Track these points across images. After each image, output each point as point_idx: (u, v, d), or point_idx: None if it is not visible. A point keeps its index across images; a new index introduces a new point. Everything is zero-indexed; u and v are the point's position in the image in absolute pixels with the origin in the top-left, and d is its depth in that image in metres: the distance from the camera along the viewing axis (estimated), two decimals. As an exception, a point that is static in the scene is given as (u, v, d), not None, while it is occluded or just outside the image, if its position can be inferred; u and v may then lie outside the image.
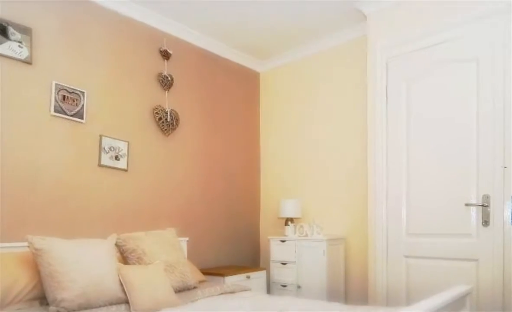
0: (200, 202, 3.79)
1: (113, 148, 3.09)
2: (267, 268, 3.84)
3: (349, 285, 3.64)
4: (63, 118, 2.80)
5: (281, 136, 4.25)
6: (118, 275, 2.33)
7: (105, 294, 2.23)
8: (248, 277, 3.55)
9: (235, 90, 4.21)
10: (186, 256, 3.31)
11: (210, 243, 3.87)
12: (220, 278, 3.34)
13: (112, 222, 3.06)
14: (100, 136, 3.01)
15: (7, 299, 2.13)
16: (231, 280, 3.33)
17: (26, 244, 2.25)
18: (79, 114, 2.88)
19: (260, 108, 4.49)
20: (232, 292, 2.80)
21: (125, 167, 3.17)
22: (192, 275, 2.91)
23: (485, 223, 2.55)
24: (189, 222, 3.67)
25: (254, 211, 4.38)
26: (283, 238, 3.70)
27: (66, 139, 2.82)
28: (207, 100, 3.90)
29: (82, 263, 2.22)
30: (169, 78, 3.49)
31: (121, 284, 2.32)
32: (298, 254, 3.55)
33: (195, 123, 3.76)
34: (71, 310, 2.09)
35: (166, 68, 3.50)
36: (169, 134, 3.50)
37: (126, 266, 2.48)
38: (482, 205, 2.57)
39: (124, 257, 2.66)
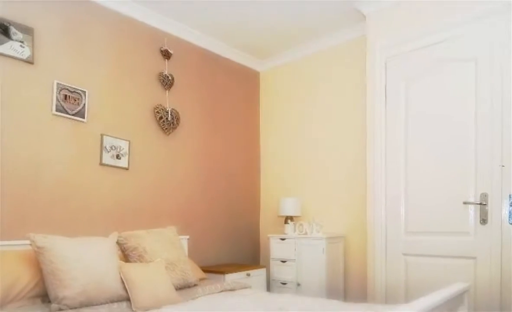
0: (201, 201, 3.82)
1: (114, 147, 3.11)
2: (267, 266, 3.86)
3: (348, 282, 3.66)
4: (64, 117, 2.82)
5: (281, 135, 4.27)
6: (120, 273, 2.35)
7: (106, 291, 2.25)
8: (248, 275, 3.57)
9: (235, 89, 4.23)
10: (186, 254, 3.33)
11: (211, 241, 3.90)
12: (221, 275, 3.37)
13: (113, 221, 3.08)
14: (102, 135, 3.03)
15: (9, 296, 2.15)
16: (231, 278, 3.35)
17: (27, 242, 2.26)
18: (81, 113, 2.90)
19: (260, 107, 4.51)
20: (232, 290, 2.82)
21: (126, 166, 3.19)
22: (193, 273, 2.93)
23: (483, 221, 2.58)
24: (190, 221, 3.69)
25: (254, 210, 4.41)
26: (283, 236, 3.72)
27: (67, 138, 2.84)
28: (207, 100, 3.92)
29: (84, 261, 2.24)
30: (169, 78, 3.51)
31: (122, 282, 2.33)
32: (297, 252, 3.57)
33: (195, 122, 3.78)
34: (72, 308, 2.10)
35: (167, 67, 3.52)
36: (169, 133, 3.52)
37: (127, 264, 2.50)
38: (480, 204, 2.59)
39: (125, 255, 2.68)
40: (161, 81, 3.47)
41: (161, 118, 3.43)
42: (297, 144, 4.11)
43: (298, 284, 3.54)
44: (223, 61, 4.10)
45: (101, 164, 3.03)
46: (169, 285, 2.49)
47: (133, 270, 2.40)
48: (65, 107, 2.81)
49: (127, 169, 3.20)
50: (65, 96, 2.81)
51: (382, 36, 3.11)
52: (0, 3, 2.51)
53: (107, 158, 3.06)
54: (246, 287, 2.95)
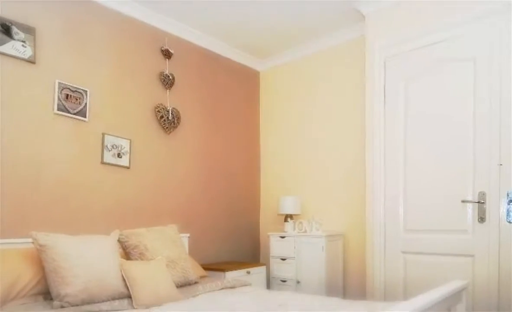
0: (201, 199, 3.84)
1: (116, 146, 3.13)
2: (267, 264, 3.88)
3: (347, 280, 3.69)
4: (66, 116, 2.84)
5: (281, 134, 4.29)
6: (121, 271, 2.37)
7: (108, 289, 2.26)
8: (248, 272, 3.59)
9: (236, 89, 4.25)
10: (187, 252, 3.35)
11: (211, 239, 3.92)
12: (221, 273, 3.39)
13: (114, 219, 3.10)
14: (103, 134, 3.05)
15: (11, 294, 2.17)
16: (232, 276, 3.38)
17: (29, 240, 2.28)
18: (82, 113, 2.92)
19: (260, 107, 4.53)
20: (232, 287, 2.84)
21: (127, 164, 3.21)
22: (193, 270, 2.95)
23: (481, 219, 2.60)
24: (190, 219, 3.71)
25: (254, 208, 4.43)
26: (282, 234, 3.75)
27: (69, 137, 2.86)
28: (208, 99, 3.93)
29: (86, 258, 2.25)
30: (170, 77, 3.53)
31: (124, 279, 2.35)
32: (297, 250, 3.60)
33: (196, 122, 3.80)
34: (74, 305, 2.12)
35: (167, 67, 3.54)
36: (170, 132, 3.54)
37: (129, 261, 2.52)
38: (478, 202, 2.61)
39: (127, 253, 2.70)
40: (162, 80, 3.49)
41: (162, 117, 3.45)
42: (297, 143, 4.13)
43: (298, 282, 3.56)
44: (224, 61, 4.12)
45: (103, 163, 3.05)
46: (170, 283, 2.51)
47: (134, 268, 2.42)
48: (66, 106, 2.83)
49: (128, 168, 3.22)
50: (67, 95, 2.83)
51: (381, 36, 3.13)
52: (2, 3, 2.53)
53: (108, 157, 3.08)
54: (246, 285, 2.97)
